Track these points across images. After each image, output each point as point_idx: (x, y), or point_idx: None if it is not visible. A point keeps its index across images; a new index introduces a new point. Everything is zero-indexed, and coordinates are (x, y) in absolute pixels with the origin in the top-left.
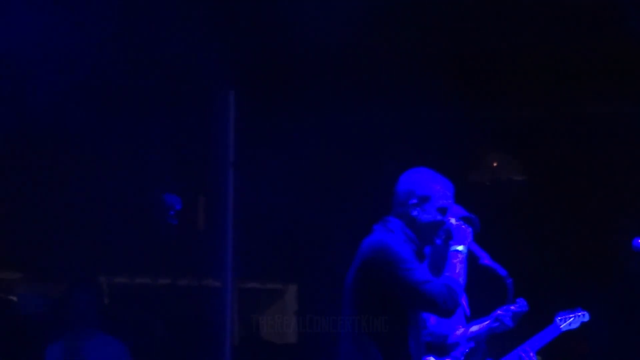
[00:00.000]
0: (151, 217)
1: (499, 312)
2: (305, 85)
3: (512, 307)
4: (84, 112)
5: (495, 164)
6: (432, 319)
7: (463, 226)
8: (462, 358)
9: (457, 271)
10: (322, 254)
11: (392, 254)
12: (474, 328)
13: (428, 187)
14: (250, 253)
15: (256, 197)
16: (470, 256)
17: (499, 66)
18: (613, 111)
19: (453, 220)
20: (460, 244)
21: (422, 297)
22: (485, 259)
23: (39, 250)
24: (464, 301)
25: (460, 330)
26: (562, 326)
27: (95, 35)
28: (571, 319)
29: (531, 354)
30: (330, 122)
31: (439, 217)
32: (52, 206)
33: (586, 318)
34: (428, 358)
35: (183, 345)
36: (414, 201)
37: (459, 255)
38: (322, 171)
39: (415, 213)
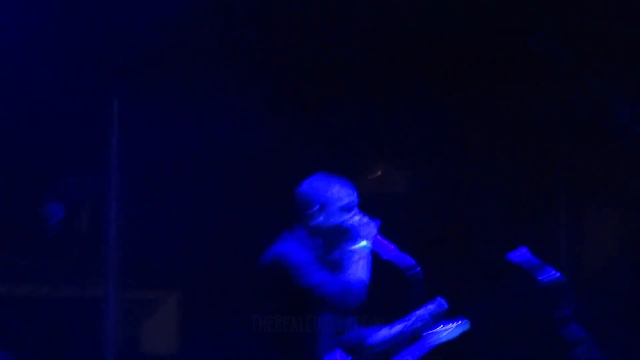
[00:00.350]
0: (33, 225)
1: (418, 311)
2: (188, 79)
3: (431, 307)
4: None
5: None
6: (350, 322)
7: (365, 222)
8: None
9: (357, 269)
10: (207, 262)
11: (289, 262)
12: (396, 328)
13: (326, 192)
14: (133, 262)
15: (140, 205)
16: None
17: None
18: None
19: (356, 218)
20: (363, 240)
21: (321, 299)
22: (389, 253)
23: None
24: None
25: (382, 332)
26: (442, 335)
27: None
28: (450, 328)
29: None
30: (214, 124)
31: (341, 220)
32: None
33: (466, 327)
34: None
35: (66, 355)
36: (315, 209)
37: (361, 252)
38: (207, 177)
39: (316, 221)
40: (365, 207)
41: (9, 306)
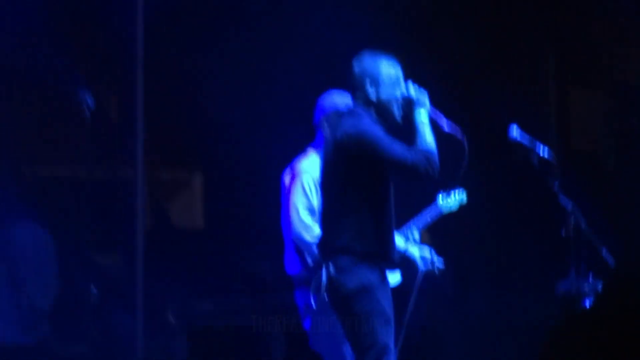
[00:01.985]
0: (67, 111)
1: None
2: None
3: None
4: None
5: None
6: None
7: (417, 90)
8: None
9: (428, 138)
10: (229, 145)
11: (369, 136)
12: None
13: (376, 66)
14: (160, 144)
15: (166, 91)
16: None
17: None
18: None
19: (411, 89)
20: (423, 113)
21: (407, 168)
22: (446, 125)
23: None
24: None
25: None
26: (441, 203)
27: None
28: (450, 199)
29: (415, 232)
30: (243, 22)
31: (396, 89)
32: None
33: (464, 199)
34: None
35: (97, 230)
36: (369, 84)
37: (425, 121)
38: (232, 67)
39: (374, 95)
40: None
41: (52, 186)
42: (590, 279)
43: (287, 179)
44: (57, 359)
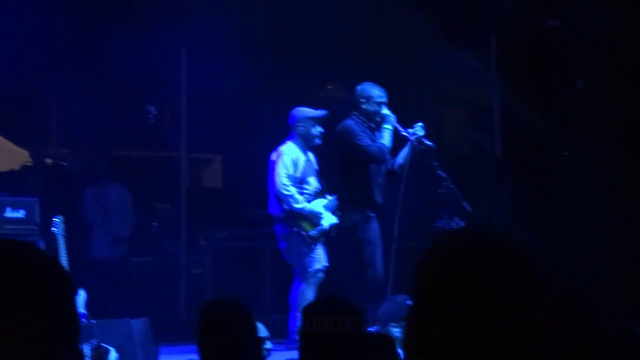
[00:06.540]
0: (141, 117)
1: (412, 138)
2: None
3: (418, 134)
4: None
5: None
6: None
7: (389, 112)
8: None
9: (386, 140)
10: (242, 138)
11: (351, 130)
12: (401, 156)
13: (370, 91)
14: (199, 133)
15: (205, 95)
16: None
17: None
18: None
19: (385, 110)
20: (389, 124)
21: (368, 153)
22: (403, 132)
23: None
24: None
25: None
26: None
27: None
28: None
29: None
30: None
31: (378, 108)
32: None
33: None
34: None
35: (158, 188)
36: (363, 100)
37: (388, 131)
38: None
39: (364, 107)
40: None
41: (129, 162)
42: (456, 220)
43: (273, 156)
44: (131, 266)
